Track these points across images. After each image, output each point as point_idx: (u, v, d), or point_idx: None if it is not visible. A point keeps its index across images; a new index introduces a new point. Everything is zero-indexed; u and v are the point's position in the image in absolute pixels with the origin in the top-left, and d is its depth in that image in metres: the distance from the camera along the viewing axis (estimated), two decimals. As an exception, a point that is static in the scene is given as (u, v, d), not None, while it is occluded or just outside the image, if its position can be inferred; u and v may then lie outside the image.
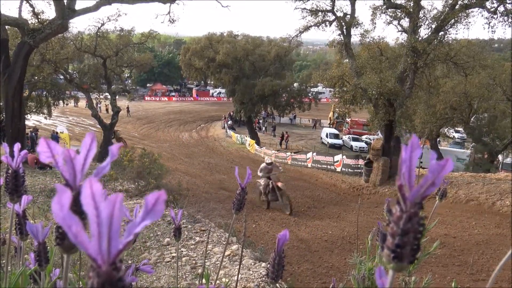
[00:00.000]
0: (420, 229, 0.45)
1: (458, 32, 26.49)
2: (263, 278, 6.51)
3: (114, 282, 0.40)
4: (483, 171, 23.22)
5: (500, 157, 28.89)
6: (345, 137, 41.68)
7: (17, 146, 1.09)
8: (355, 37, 22.23)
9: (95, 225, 0.39)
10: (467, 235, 12.80)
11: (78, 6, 16.76)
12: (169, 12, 21.85)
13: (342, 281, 1.92)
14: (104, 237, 0.38)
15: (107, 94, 28.94)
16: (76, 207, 0.49)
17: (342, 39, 21.99)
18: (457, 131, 40.16)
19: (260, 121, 48.02)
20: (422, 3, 19.77)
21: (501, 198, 15.63)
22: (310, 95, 40.51)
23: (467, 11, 18.95)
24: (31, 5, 18.12)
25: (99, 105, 36.11)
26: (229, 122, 46.27)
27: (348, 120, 43.85)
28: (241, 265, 7.16)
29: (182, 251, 7.64)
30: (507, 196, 15.54)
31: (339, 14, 22.02)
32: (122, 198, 0.37)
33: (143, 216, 0.40)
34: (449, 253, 11.27)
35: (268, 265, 1.11)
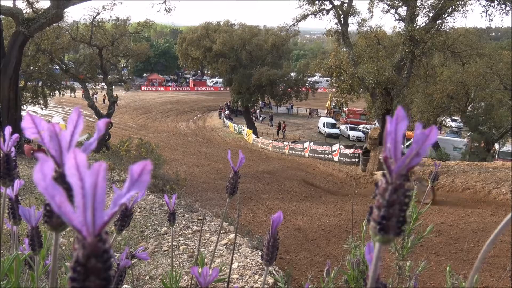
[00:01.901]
0: (406, 201, 0.45)
1: (456, 21, 26.46)
2: (261, 266, 6.55)
3: (100, 253, 0.40)
4: (479, 160, 23.32)
5: (496, 145, 28.98)
6: (342, 127, 41.70)
7: (8, 129, 1.08)
8: (352, 26, 22.14)
9: (79, 196, 0.38)
10: (463, 223, 12.90)
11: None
12: (165, 1, 21.67)
13: (336, 267, 1.94)
14: (88, 208, 0.38)
15: (103, 84, 28.77)
16: (63, 185, 0.48)
17: (339, 28, 21.87)
18: (454, 120, 40.23)
19: (258, 111, 47.93)
20: (420, -9, 19.66)
21: (497, 187, 15.73)
22: (307, 84, 40.37)
23: (464, -1, 18.85)
24: (25, -6, 17.96)
25: (95, 96, 35.92)
26: (226, 112, 46.18)
27: (345, 109, 43.83)
28: (239, 254, 7.19)
29: (179, 240, 7.67)
30: (503, 185, 15.64)
31: (336, 2, 21.89)
32: (106, 167, 0.37)
33: (129, 187, 0.40)
34: (445, 241, 11.37)
35: (263, 248, 1.12)
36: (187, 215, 9.13)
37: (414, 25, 19.36)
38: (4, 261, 1.29)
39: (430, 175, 2.00)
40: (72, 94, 41.22)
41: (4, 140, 1.07)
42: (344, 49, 22.87)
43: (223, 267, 5.77)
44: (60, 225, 0.56)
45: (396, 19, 20.96)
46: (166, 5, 21.82)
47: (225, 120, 44.53)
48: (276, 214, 1.04)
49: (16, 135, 1.09)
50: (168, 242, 7.62)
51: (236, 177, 1.42)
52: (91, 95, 27.44)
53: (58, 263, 1.48)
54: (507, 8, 18.93)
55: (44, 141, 0.50)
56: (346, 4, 21.74)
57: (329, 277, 1.78)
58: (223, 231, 8.15)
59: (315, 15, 22.48)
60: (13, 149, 1.10)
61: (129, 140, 16.65)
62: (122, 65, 37.26)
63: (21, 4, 17.90)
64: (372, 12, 21.42)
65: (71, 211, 0.39)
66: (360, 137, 38.13)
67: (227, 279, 1.75)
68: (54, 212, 0.55)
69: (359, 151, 23.24)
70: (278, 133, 39.51)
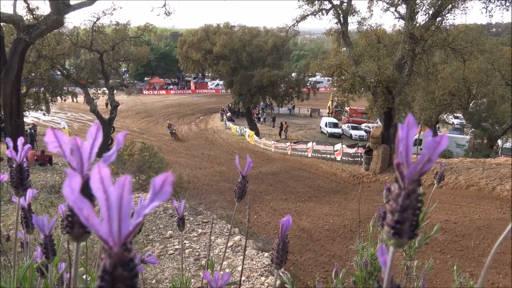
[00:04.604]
0: (418, 206, 0.47)
1: (456, 18, 26.36)
2: (266, 268, 6.56)
3: (126, 262, 0.41)
4: (482, 156, 23.26)
5: (499, 142, 28.91)
6: (345, 126, 41.68)
7: (20, 140, 1.10)
8: (352, 25, 22.14)
9: (104, 208, 0.40)
10: (468, 221, 12.87)
11: (73, 1, 16.68)
12: (164, 5, 21.75)
13: (344, 268, 1.94)
14: (114, 219, 0.40)
15: (105, 89, 28.89)
16: (84, 195, 0.50)
17: (339, 27, 21.87)
18: (456, 117, 40.17)
19: (259, 112, 47.95)
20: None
21: (501, 183, 15.67)
22: (308, 84, 40.38)
23: (464, -5, 18.80)
24: (25, 1, 18.05)
25: (95, 100, 36.09)
26: (228, 114, 46.22)
27: (347, 108, 43.79)
28: (244, 256, 7.21)
29: (185, 243, 7.69)
30: (507, 181, 15.58)
31: (336, 2, 21.91)
32: (131, 180, 0.39)
33: (152, 198, 0.42)
34: (451, 239, 11.35)
35: (273, 251, 1.13)
36: (191, 218, 9.15)
37: (414, 23, 19.33)
38: (18, 270, 1.31)
39: (436, 174, 2.01)
40: (74, 100, 41.33)
41: (17, 151, 1.09)
42: (345, 49, 22.88)
43: (230, 270, 5.79)
44: (82, 235, 0.58)
45: (396, 17, 20.95)
46: (165, 9, 21.91)
47: (227, 122, 44.56)
48: (285, 217, 1.06)
49: (28, 145, 1.10)
50: (174, 245, 7.64)
51: (244, 182, 1.43)
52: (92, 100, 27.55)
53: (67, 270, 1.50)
54: (507, 4, 18.89)
55: (65, 154, 0.52)
56: (345, 4, 21.75)
57: (337, 278, 1.80)
58: (228, 233, 8.15)
59: (314, 15, 22.50)
60: (25, 159, 1.12)
61: (132, 144, 16.72)
62: (123, 69, 37.35)
63: (22, 11, 17.97)
64: (372, 11, 21.43)
65: (98, 223, 0.40)
66: (363, 136, 38.11)
67: (238, 282, 1.76)
68: (75, 223, 0.57)
69: (362, 150, 23.23)
70: (280, 134, 39.51)
